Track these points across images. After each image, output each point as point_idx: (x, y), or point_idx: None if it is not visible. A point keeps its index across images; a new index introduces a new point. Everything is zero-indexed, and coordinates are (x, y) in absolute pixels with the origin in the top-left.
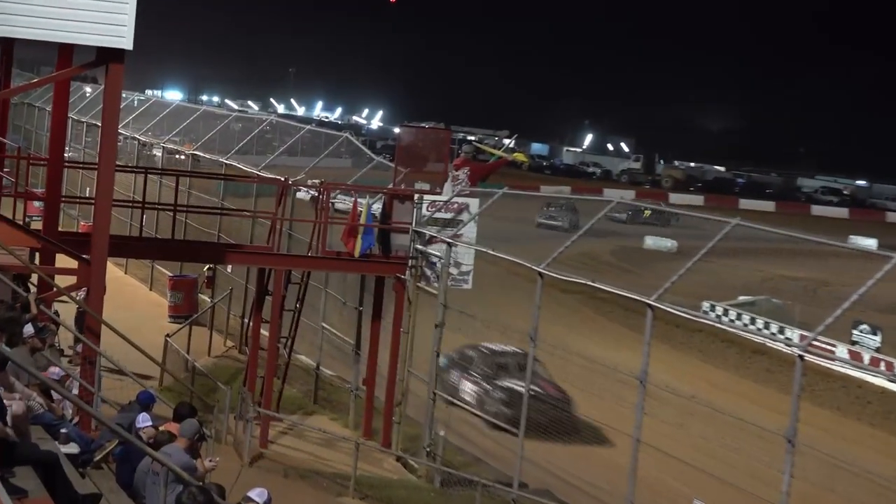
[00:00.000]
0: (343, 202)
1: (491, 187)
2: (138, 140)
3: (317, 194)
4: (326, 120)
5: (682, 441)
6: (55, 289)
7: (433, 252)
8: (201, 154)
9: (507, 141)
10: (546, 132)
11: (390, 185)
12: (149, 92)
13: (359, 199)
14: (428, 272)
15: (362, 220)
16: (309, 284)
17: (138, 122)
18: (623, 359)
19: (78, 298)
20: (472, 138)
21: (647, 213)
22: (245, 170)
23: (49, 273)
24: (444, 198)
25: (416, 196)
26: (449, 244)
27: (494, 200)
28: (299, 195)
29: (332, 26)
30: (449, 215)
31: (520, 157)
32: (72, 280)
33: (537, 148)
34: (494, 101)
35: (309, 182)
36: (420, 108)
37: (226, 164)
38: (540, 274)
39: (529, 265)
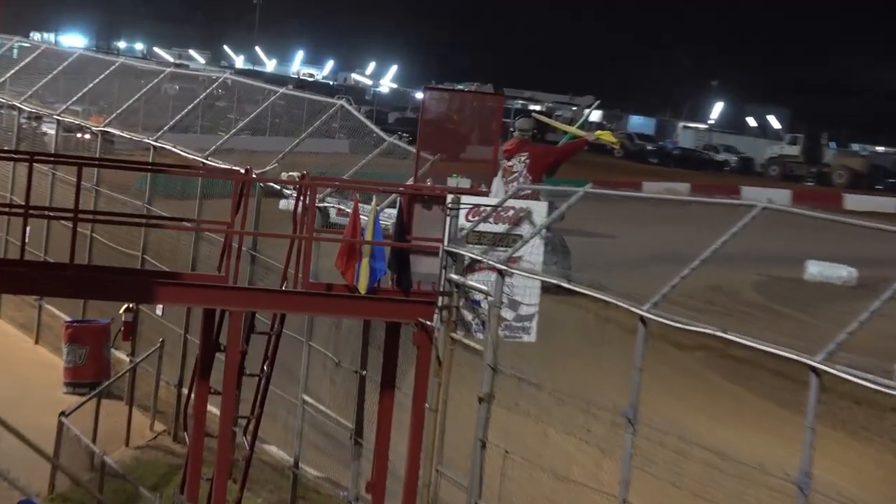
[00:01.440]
0: (338, 207)
1: (564, 184)
2: (18, 110)
3: (295, 196)
4: (311, 79)
5: None
6: None
7: (476, 285)
8: (116, 132)
9: (588, 111)
10: (651, 100)
11: (409, 181)
12: (36, 36)
13: (362, 204)
14: (468, 316)
15: (367, 236)
16: (283, 335)
17: (18, 82)
18: (771, 452)
19: None
20: (536, 108)
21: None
22: (185, 156)
23: None
24: (492, 201)
25: (449, 198)
26: (501, 272)
27: (572, 205)
28: (282, 204)
29: None
30: (501, 228)
31: (607, 136)
32: None
33: (637, 123)
34: (569, 53)
35: (283, 175)
36: (455, 63)
37: (155, 146)
38: (643, 319)
39: (627, 305)
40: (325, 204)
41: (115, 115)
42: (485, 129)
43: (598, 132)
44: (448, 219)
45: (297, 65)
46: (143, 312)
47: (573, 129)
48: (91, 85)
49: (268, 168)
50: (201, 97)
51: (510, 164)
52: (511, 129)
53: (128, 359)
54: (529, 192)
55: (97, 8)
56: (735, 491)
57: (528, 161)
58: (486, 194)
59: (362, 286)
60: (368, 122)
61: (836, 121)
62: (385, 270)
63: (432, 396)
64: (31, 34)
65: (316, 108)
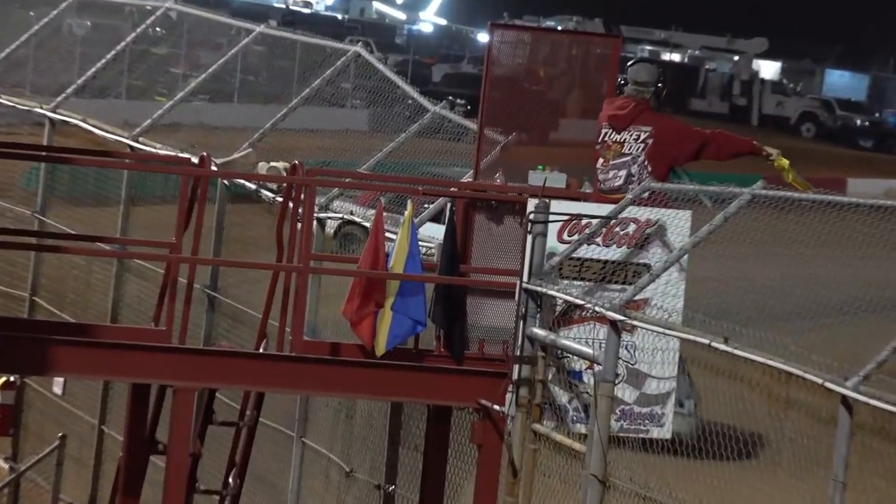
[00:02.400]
0: (350, 219)
1: (714, 180)
2: None
3: (274, 196)
4: (307, 10)
5: None
6: None
7: (575, 346)
8: None
9: (757, 65)
10: (861, 46)
11: (466, 177)
12: None
13: (389, 214)
14: (561, 397)
15: (395, 266)
16: (260, 427)
17: None
18: None
19: None
20: (674, 58)
21: None
22: (100, 135)
23: None
24: (597, 209)
25: (532, 204)
26: (615, 326)
27: (731, 215)
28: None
29: None
30: (615, 252)
31: (786, 171)
32: None
33: (838, 84)
34: None
35: (262, 168)
36: None
37: (52, 120)
38: (846, 402)
39: (819, 380)
40: (330, 214)
41: None
42: (590, 92)
43: (780, 161)
44: (530, 238)
45: None
46: (33, 390)
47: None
48: None
49: (236, 155)
50: (128, 40)
51: (618, 138)
52: (621, 82)
53: (6, 465)
54: (658, 191)
55: None
56: None
57: (649, 140)
58: (592, 198)
59: (380, 345)
60: (400, 81)
61: None
62: (424, 323)
63: None
64: None
65: (315, 59)
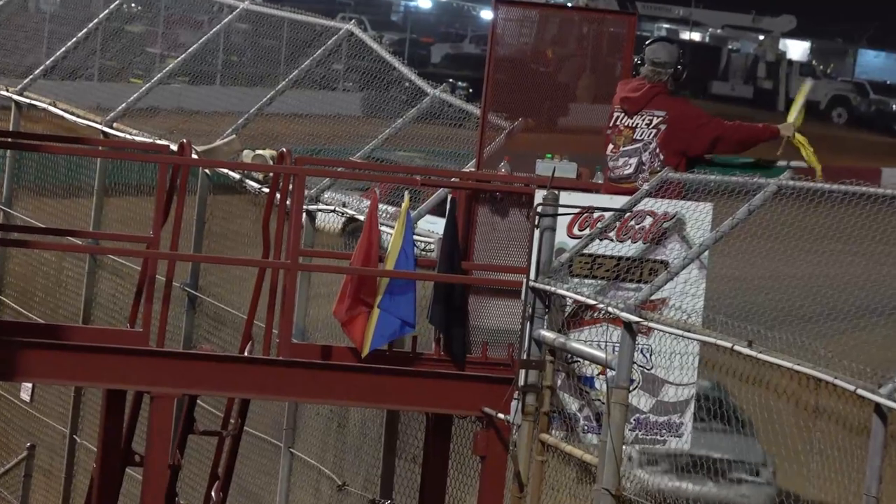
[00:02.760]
0: (341, 210)
1: (736, 169)
2: None
3: (260, 187)
4: None
5: None
6: None
7: (586, 349)
8: None
9: (784, 45)
10: None
11: (469, 167)
12: None
13: (384, 207)
14: (571, 405)
15: (388, 262)
16: (245, 437)
17: None
18: None
19: None
20: (695, 37)
21: None
22: (71, 121)
23: None
24: (610, 201)
25: (539, 195)
26: (630, 328)
27: (756, 209)
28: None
29: None
30: (629, 247)
31: (805, 149)
32: None
33: (872, 64)
34: None
35: (247, 156)
36: None
37: (18, 103)
38: (879, 411)
39: (851, 386)
40: (321, 206)
41: None
42: (603, 74)
43: (798, 138)
44: (537, 233)
45: None
46: None
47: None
48: None
49: (219, 142)
50: (101, 17)
51: (629, 123)
52: (637, 62)
53: None
54: (677, 181)
55: None
56: None
57: (662, 126)
58: (600, 189)
59: (364, 345)
60: (397, 62)
61: None
62: (413, 324)
63: None
64: None
65: (304, 38)
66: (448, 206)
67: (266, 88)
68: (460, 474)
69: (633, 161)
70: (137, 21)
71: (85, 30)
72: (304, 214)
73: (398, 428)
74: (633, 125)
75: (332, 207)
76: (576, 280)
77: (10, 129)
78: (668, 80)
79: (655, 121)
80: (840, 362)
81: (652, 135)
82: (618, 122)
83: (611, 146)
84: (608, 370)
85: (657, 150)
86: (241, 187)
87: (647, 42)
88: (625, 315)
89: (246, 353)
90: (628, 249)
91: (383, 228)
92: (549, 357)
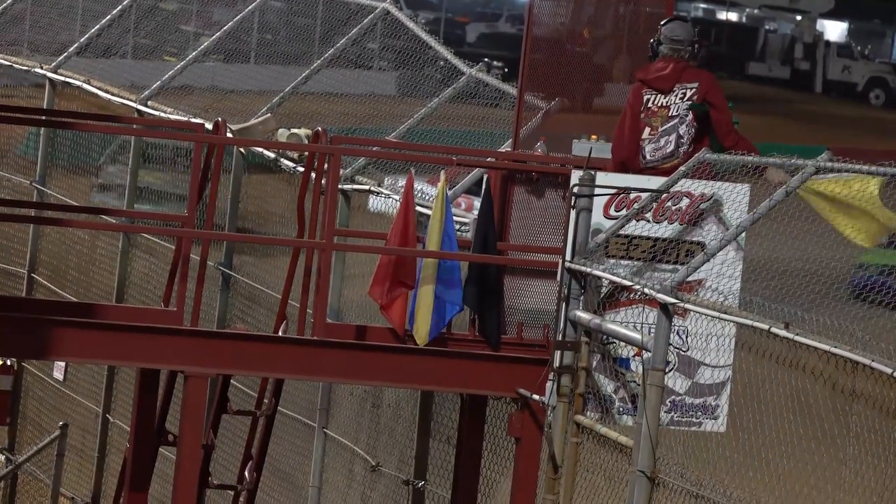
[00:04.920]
0: (378, 190)
1: (775, 150)
2: None
3: (295, 166)
4: None
5: None
6: None
7: (622, 331)
8: None
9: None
10: None
11: (505, 147)
12: None
13: (420, 186)
14: (606, 386)
15: (431, 244)
16: (279, 418)
17: None
18: None
19: None
20: (731, 17)
21: None
22: (105, 99)
23: None
24: (647, 182)
25: (576, 176)
26: (666, 309)
27: (793, 190)
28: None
29: None
30: (666, 228)
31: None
32: None
33: None
34: None
35: (282, 134)
36: None
37: (52, 81)
38: None
39: (889, 369)
40: (355, 185)
41: None
42: (639, 54)
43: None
44: (573, 214)
45: None
46: (31, 375)
47: None
48: None
49: (254, 121)
50: None
51: (663, 102)
52: (653, 43)
53: (2, 457)
54: (710, 160)
55: None
56: None
57: (695, 97)
58: (645, 170)
59: (421, 333)
60: (433, 41)
61: None
62: (461, 304)
63: None
64: None
65: (340, 16)
66: (483, 187)
67: (300, 67)
68: (494, 456)
69: (672, 137)
70: None
71: (119, 7)
72: (339, 194)
73: (432, 409)
74: (667, 103)
75: (367, 187)
76: (612, 261)
77: (45, 107)
78: (687, 56)
79: (689, 93)
80: (877, 345)
81: (686, 107)
82: (650, 105)
83: (647, 130)
84: (644, 352)
85: (693, 121)
86: (276, 166)
87: (662, 22)
88: (661, 296)
89: (280, 333)
90: (665, 230)
91: (419, 209)
92: (584, 338)
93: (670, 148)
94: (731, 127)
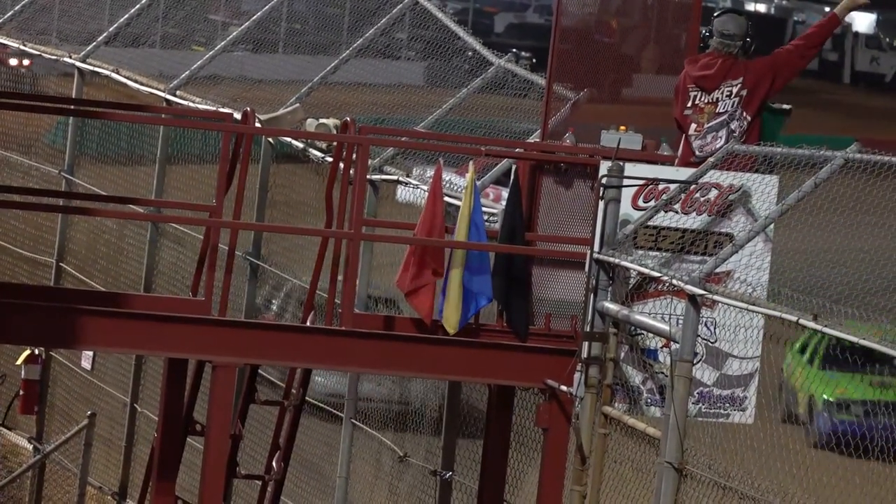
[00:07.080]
0: (406, 180)
1: (804, 141)
2: None
3: (324, 156)
4: None
5: None
6: None
7: (650, 322)
8: (11, 43)
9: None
10: None
11: (533, 138)
12: None
13: (448, 176)
14: (634, 378)
15: (458, 234)
16: (307, 408)
17: None
18: None
19: None
20: (760, 8)
21: None
22: (135, 88)
23: None
24: (676, 173)
25: (604, 167)
26: (694, 300)
27: (822, 181)
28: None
29: None
30: (694, 219)
31: None
32: None
33: None
34: None
35: (310, 124)
36: None
37: (81, 71)
38: None
39: None
40: (383, 175)
41: (5, 17)
42: (668, 44)
43: None
44: (601, 204)
45: None
46: (59, 365)
47: None
48: None
49: (282, 111)
50: None
51: (710, 99)
52: (704, 34)
53: (30, 446)
54: (744, 154)
55: None
56: None
57: (743, 92)
58: (670, 160)
59: (451, 321)
60: (462, 31)
61: None
62: (490, 297)
63: None
64: None
65: (368, 6)
66: (512, 178)
67: (328, 57)
68: (522, 447)
69: (723, 133)
70: None
71: None
72: (367, 184)
73: (460, 400)
74: (714, 100)
75: (395, 177)
76: (640, 252)
77: (73, 96)
78: (737, 52)
79: (735, 89)
80: None
81: (735, 103)
82: (697, 101)
83: (693, 126)
84: (672, 343)
85: (743, 114)
86: (305, 156)
87: (715, 14)
88: (689, 288)
89: (308, 323)
90: (693, 222)
91: (447, 199)
92: (612, 329)
93: (720, 143)
94: (798, 42)
